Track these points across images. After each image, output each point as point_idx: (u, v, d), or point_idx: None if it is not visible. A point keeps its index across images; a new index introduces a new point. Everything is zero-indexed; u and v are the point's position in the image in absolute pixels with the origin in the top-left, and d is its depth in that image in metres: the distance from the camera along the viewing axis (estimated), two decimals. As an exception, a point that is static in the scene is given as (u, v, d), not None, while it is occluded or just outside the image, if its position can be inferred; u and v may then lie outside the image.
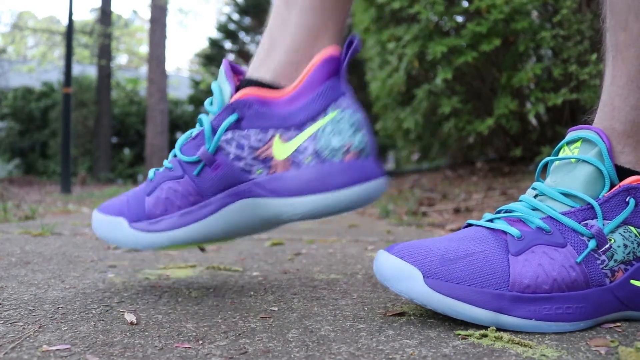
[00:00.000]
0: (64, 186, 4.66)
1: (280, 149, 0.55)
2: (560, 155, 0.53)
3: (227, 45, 11.95)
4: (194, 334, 0.44)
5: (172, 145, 10.12)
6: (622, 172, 0.51)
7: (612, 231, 0.48)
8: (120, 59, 16.87)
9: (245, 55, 11.93)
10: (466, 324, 0.48)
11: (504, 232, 0.50)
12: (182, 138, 0.58)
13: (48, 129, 9.61)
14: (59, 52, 12.47)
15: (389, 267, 0.48)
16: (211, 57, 11.85)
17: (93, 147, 9.66)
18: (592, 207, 0.49)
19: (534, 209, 0.51)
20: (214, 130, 0.56)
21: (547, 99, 2.31)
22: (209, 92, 11.59)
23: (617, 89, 0.52)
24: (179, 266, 0.78)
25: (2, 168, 9.91)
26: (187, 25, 39.65)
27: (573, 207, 0.49)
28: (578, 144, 0.52)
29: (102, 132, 9.60)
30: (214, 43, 11.86)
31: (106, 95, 9.75)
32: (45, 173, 9.44)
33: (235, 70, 0.60)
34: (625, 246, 0.48)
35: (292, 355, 0.39)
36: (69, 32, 4.95)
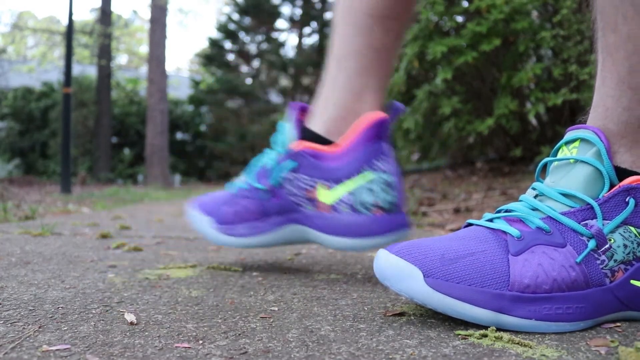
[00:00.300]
0: (64, 186, 4.66)
1: (324, 195, 0.68)
2: (559, 155, 0.53)
3: (227, 45, 11.96)
4: (194, 334, 0.44)
5: (172, 145, 10.13)
6: (619, 172, 0.51)
7: (612, 231, 0.48)
8: (120, 59, 16.87)
9: (245, 55, 11.94)
10: (466, 324, 0.48)
11: (504, 232, 0.50)
12: (255, 165, 0.73)
13: (48, 129, 9.61)
14: (59, 52, 12.47)
15: (389, 267, 0.48)
16: (211, 57, 11.85)
17: (93, 147, 9.66)
18: (592, 208, 0.49)
19: (534, 209, 0.51)
20: (276, 169, 0.71)
21: (547, 99, 2.31)
22: (209, 92, 11.61)
23: (608, 90, 0.52)
24: (179, 266, 0.78)
25: (2, 168, 9.91)
26: (187, 25, 39.66)
27: (573, 207, 0.49)
28: (576, 144, 0.52)
29: (102, 132, 9.61)
30: (214, 43, 11.86)
31: (106, 95, 9.75)
32: (45, 173, 9.44)
33: (302, 108, 0.74)
34: (625, 246, 0.48)
35: (292, 355, 0.39)
36: (69, 32, 4.95)
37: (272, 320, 0.49)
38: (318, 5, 11.46)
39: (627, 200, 0.49)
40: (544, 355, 0.40)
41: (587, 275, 0.47)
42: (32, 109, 9.84)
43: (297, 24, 11.64)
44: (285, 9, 12.67)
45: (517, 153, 2.67)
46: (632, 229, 0.49)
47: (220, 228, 0.74)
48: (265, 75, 11.99)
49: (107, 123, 9.66)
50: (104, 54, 9.68)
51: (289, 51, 12.61)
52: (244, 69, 12.30)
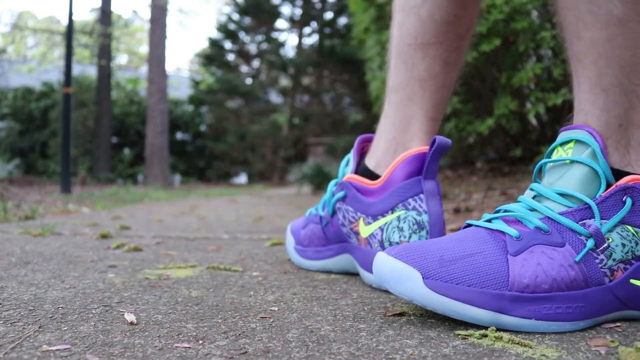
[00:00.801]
0: (64, 186, 4.66)
1: (363, 229, 0.67)
2: (554, 156, 0.54)
3: (227, 45, 11.96)
4: (194, 334, 0.44)
5: (172, 145, 10.13)
6: (613, 173, 0.51)
7: (610, 230, 0.49)
8: (120, 59, 16.87)
9: (245, 55, 11.94)
10: (466, 324, 0.48)
11: (503, 233, 0.50)
12: (327, 193, 0.74)
13: (48, 129, 9.62)
14: (59, 52, 12.47)
15: (388, 269, 0.48)
16: (211, 57, 11.85)
17: (93, 147, 9.66)
18: (590, 207, 0.49)
19: (532, 209, 0.51)
20: (330, 198, 0.72)
21: (547, 99, 2.31)
22: (209, 92, 11.61)
23: (584, 95, 0.54)
24: (179, 266, 0.78)
25: (2, 168, 9.90)
26: (187, 25, 39.67)
27: (570, 207, 0.50)
28: (571, 144, 0.52)
29: (102, 132, 9.60)
30: (214, 43, 11.87)
31: (106, 95, 9.75)
32: (45, 173, 9.44)
33: (366, 140, 0.74)
34: (624, 245, 0.48)
35: (292, 355, 0.39)
36: (69, 32, 4.95)
37: (272, 320, 0.49)
38: (318, 5, 11.46)
39: (624, 199, 0.49)
40: (544, 355, 0.40)
41: (587, 274, 0.47)
42: (32, 109, 9.84)
43: (297, 24, 11.64)
44: (285, 9, 12.66)
45: (517, 153, 2.67)
46: (630, 228, 0.49)
47: (297, 249, 0.79)
48: (265, 75, 11.99)
49: (107, 123, 9.66)
50: (104, 54, 9.67)
51: (289, 51, 12.61)
52: (244, 69, 12.30)
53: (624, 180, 0.50)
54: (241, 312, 0.52)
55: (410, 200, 0.62)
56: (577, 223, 0.49)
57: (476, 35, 2.33)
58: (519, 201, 0.53)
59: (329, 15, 11.35)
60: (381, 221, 0.64)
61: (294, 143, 11.09)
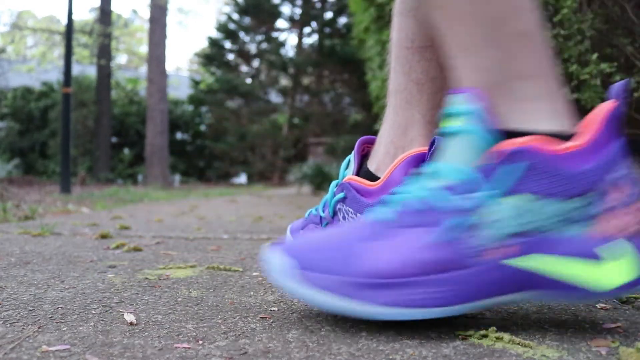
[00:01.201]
0: (63, 186, 4.66)
1: None
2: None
3: (227, 45, 11.96)
4: (194, 334, 0.44)
5: (172, 145, 10.13)
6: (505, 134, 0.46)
7: (497, 203, 0.43)
8: (120, 58, 16.87)
9: (245, 55, 11.94)
10: (466, 325, 0.48)
11: (375, 217, 0.47)
12: (329, 193, 0.72)
13: (48, 129, 9.62)
14: (58, 52, 12.47)
15: (269, 261, 0.47)
16: (211, 57, 11.86)
17: (93, 147, 9.66)
18: (472, 179, 0.44)
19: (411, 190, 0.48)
20: (331, 198, 0.70)
21: (547, 99, 2.31)
22: (208, 92, 11.61)
23: (456, 61, 0.51)
24: (179, 266, 0.78)
25: (2, 168, 9.90)
26: (187, 25, 39.68)
27: (451, 182, 0.45)
28: (455, 114, 0.47)
29: (102, 132, 9.60)
30: (214, 43, 11.87)
31: (106, 95, 9.75)
32: (45, 173, 9.44)
33: (367, 141, 0.71)
34: (510, 219, 0.43)
35: (292, 356, 0.39)
36: (69, 31, 4.95)
37: (272, 320, 0.49)
38: (318, 5, 11.46)
39: (512, 165, 0.43)
40: (544, 355, 0.39)
41: (462, 254, 0.43)
42: (32, 108, 9.84)
43: (297, 24, 11.64)
44: (285, 9, 12.66)
45: (517, 153, 2.67)
46: (526, 196, 0.43)
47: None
48: (265, 75, 11.99)
49: (107, 123, 9.66)
50: (104, 53, 9.67)
51: (289, 51, 12.60)
52: (244, 68, 12.30)
53: (516, 142, 0.43)
54: (241, 312, 0.52)
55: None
56: (460, 195, 0.44)
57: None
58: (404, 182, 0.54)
59: (329, 15, 11.36)
60: None
61: (294, 143, 11.10)
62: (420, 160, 0.62)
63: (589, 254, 0.43)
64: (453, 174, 0.45)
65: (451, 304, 0.43)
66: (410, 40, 0.67)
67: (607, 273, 0.42)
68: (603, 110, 0.45)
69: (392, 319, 0.43)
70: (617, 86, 0.46)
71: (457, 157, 0.45)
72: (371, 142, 0.73)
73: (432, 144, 0.58)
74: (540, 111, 0.47)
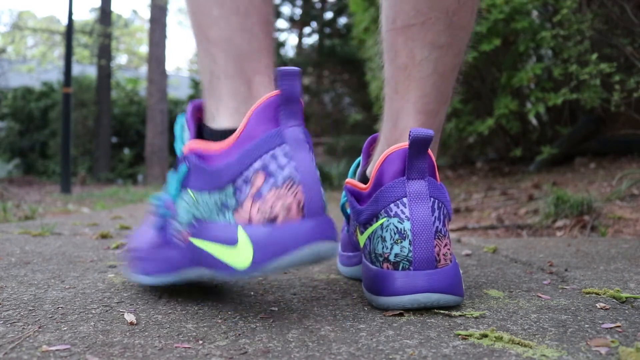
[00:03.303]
0: (63, 186, 4.66)
1: (360, 239, 0.61)
2: None
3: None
4: (194, 334, 0.44)
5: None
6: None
7: (178, 197, 0.54)
8: (120, 59, 16.86)
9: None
10: (466, 325, 0.48)
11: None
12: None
13: (48, 129, 9.61)
14: (58, 52, 12.47)
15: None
16: (211, 57, 11.83)
17: (93, 147, 9.66)
18: (170, 181, 0.55)
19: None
20: None
21: (547, 99, 2.31)
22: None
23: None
24: (179, 266, 0.78)
25: (2, 168, 9.90)
26: (188, 25, 39.65)
27: (168, 183, 0.57)
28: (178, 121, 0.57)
29: (102, 132, 9.60)
30: (214, 43, 11.84)
31: (106, 95, 9.75)
32: (45, 173, 9.43)
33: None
34: (188, 210, 0.52)
35: (292, 355, 0.39)
36: (69, 31, 4.95)
37: (272, 320, 0.49)
38: (318, 5, 11.46)
39: (180, 167, 0.53)
40: (544, 355, 0.40)
41: (163, 238, 0.56)
42: (32, 109, 9.83)
43: (297, 24, 11.64)
44: (285, 9, 12.64)
45: (517, 153, 2.67)
46: (190, 192, 0.52)
47: (339, 252, 0.78)
48: (265, 75, 11.97)
49: (107, 123, 9.66)
50: (104, 53, 9.67)
51: (289, 51, 12.59)
52: (244, 68, 12.28)
53: (185, 149, 0.53)
54: (241, 312, 0.52)
55: (392, 205, 0.53)
56: (166, 195, 0.56)
57: (476, 35, 2.33)
58: None
59: (329, 15, 11.36)
60: (369, 230, 0.56)
61: (293, 143, 11.07)
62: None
63: (229, 239, 0.48)
64: (169, 177, 0.56)
65: (163, 273, 0.56)
66: (392, 20, 0.59)
67: (236, 256, 0.47)
68: (256, 104, 0.49)
69: (142, 282, 0.58)
70: (283, 74, 0.48)
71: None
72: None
73: (409, 136, 0.52)
74: (220, 110, 0.52)
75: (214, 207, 0.50)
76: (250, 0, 0.52)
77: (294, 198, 0.47)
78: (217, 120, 0.52)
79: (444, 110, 0.62)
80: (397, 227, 0.52)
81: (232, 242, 0.47)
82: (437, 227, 0.53)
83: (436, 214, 0.53)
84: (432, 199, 0.53)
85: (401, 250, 0.52)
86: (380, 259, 0.54)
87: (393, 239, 0.53)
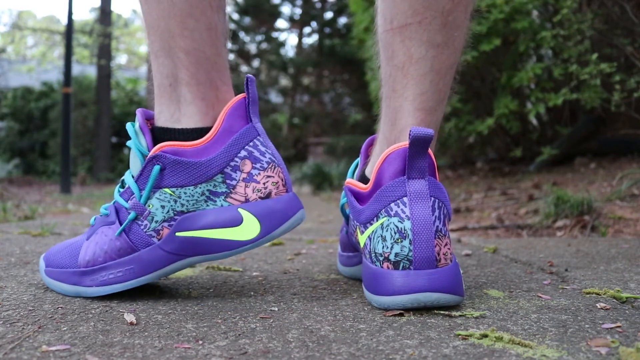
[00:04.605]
0: (63, 186, 4.66)
1: (360, 238, 0.61)
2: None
3: (227, 45, 11.94)
4: (194, 334, 0.44)
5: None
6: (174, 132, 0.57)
7: (150, 198, 0.56)
8: (120, 58, 16.87)
9: (245, 55, 11.94)
10: (466, 325, 0.48)
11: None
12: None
13: (48, 129, 9.61)
14: (58, 51, 12.47)
15: (39, 264, 0.62)
16: (211, 57, 11.83)
17: (93, 147, 9.66)
18: (132, 184, 0.57)
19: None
20: None
21: (547, 99, 2.31)
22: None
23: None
24: (179, 266, 0.78)
25: (1, 168, 9.90)
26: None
27: (127, 186, 0.58)
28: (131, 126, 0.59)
29: (102, 132, 9.60)
30: (213, 43, 11.84)
31: (106, 95, 9.75)
32: (45, 173, 9.43)
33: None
34: (163, 207, 0.55)
35: (292, 356, 0.39)
36: (69, 31, 4.95)
37: (272, 320, 0.49)
38: (318, 5, 11.46)
39: (154, 167, 0.55)
40: (544, 355, 0.39)
41: (132, 241, 0.56)
42: (32, 108, 9.83)
43: (297, 24, 11.64)
44: (285, 9, 12.65)
45: (517, 153, 2.67)
46: (166, 190, 0.55)
47: (338, 252, 0.79)
48: (265, 75, 11.99)
49: (107, 123, 9.65)
50: (104, 53, 9.67)
51: (289, 51, 12.61)
52: (244, 68, 12.30)
53: (152, 150, 0.56)
54: (241, 312, 0.52)
55: (392, 205, 0.54)
56: (127, 201, 0.57)
57: (476, 34, 2.33)
58: None
59: (329, 15, 11.35)
60: (369, 230, 0.56)
61: (294, 143, 11.09)
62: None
63: (233, 220, 0.55)
64: (128, 181, 0.58)
65: (132, 279, 0.56)
66: (389, 21, 0.60)
67: (247, 229, 0.55)
68: (228, 105, 0.57)
69: (98, 294, 0.57)
70: (249, 80, 0.58)
71: (132, 165, 0.58)
72: None
73: (409, 135, 0.53)
74: (188, 112, 0.57)
75: (200, 198, 0.55)
76: (219, 18, 0.59)
77: (278, 177, 0.57)
78: (183, 121, 0.58)
79: (442, 108, 0.63)
80: (397, 227, 0.53)
81: (237, 221, 0.55)
82: (438, 226, 0.53)
83: (436, 213, 0.53)
84: (432, 198, 0.53)
85: (401, 250, 0.52)
86: (381, 258, 0.54)
87: (393, 239, 0.53)
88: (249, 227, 0.56)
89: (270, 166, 0.57)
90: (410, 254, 0.52)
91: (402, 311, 0.52)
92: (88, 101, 9.56)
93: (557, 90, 2.35)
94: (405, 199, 0.53)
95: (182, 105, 0.58)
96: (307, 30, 11.76)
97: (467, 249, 1.00)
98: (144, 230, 0.56)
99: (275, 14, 11.54)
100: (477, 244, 1.08)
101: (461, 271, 0.73)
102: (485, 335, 0.44)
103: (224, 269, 0.76)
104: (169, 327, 0.46)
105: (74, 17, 5.08)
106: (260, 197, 0.56)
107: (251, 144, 0.57)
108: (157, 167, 0.55)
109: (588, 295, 0.59)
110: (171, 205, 0.55)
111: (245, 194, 0.56)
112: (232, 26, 11.66)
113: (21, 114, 9.88)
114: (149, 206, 0.56)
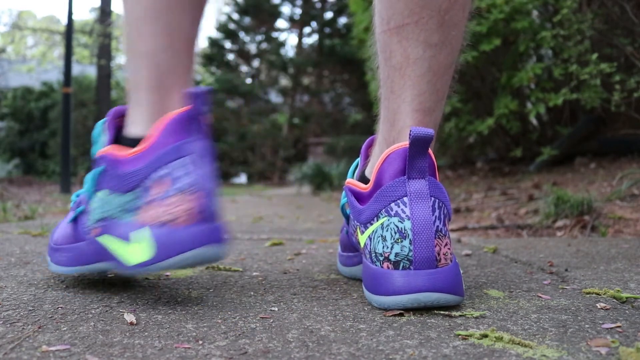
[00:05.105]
0: (63, 186, 4.65)
1: (360, 238, 0.61)
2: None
3: (227, 45, 11.96)
4: (194, 334, 0.44)
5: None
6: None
7: (92, 196, 0.57)
8: (120, 58, 16.85)
9: (245, 55, 11.94)
10: (466, 325, 0.48)
11: None
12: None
13: (48, 129, 9.61)
14: (58, 51, 12.46)
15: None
16: (211, 57, 11.85)
17: (93, 147, 9.65)
18: (86, 180, 0.59)
19: None
20: None
21: (547, 99, 2.31)
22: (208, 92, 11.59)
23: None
24: (179, 266, 0.78)
25: (1, 168, 9.90)
26: (187, 25, 39.53)
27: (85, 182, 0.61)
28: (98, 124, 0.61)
29: (102, 132, 9.59)
30: (214, 43, 11.86)
31: (106, 95, 9.74)
32: (45, 173, 9.43)
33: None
34: (100, 207, 0.57)
35: (292, 356, 0.39)
36: (69, 31, 4.94)
37: (272, 320, 0.49)
38: (318, 5, 11.46)
39: (96, 169, 0.57)
40: (544, 355, 0.39)
41: (76, 232, 0.60)
42: (32, 108, 9.83)
43: (297, 24, 11.64)
44: (285, 9, 12.63)
45: (517, 153, 2.67)
46: (103, 192, 0.56)
47: (339, 252, 0.78)
48: (265, 75, 11.99)
49: (107, 123, 9.64)
50: (104, 53, 9.66)
51: (289, 51, 12.60)
52: (244, 68, 12.30)
53: (99, 151, 0.58)
54: (241, 312, 0.52)
55: (392, 205, 0.54)
56: (82, 192, 0.60)
57: (476, 34, 2.33)
58: None
59: (329, 15, 11.35)
60: (370, 230, 0.56)
61: (294, 143, 11.09)
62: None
63: (126, 237, 0.54)
64: (87, 176, 0.59)
65: (71, 265, 0.60)
66: (386, 22, 0.60)
67: (132, 252, 0.53)
68: (167, 116, 0.54)
69: (54, 271, 0.64)
70: (194, 93, 0.54)
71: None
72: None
73: (409, 135, 0.53)
74: (138, 118, 0.57)
75: (124, 207, 0.55)
76: (179, 21, 0.56)
77: (194, 203, 0.52)
78: (133, 128, 0.57)
79: (441, 108, 0.62)
80: (397, 227, 0.53)
81: (129, 239, 0.54)
82: (438, 226, 0.53)
83: (437, 213, 0.53)
84: (432, 198, 0.53)
85: (402, 250, 0.52)
86: (381, 258, 0.54)
87: (393, 238, 0.53)
88: (141, 250, 0.52)
89: (188, 190, 0.52)
90: (411, 254, 0.52)
91: (402, 311, 0.52)
92: (88, 101, 9.57)
93: (557, 90, 2.35)
94: (405, 199, 0.53)
95: (134, 111, 0.57)
96: (307, 30, 11.76)
97: (467, 249, 1.00)
98: (84, 225, 0.59)
99: (275, 14, 11.53)
100: (477, 244, 1.08)
101: (461, 271, 0.73)
102: (485, 335, 0.44)
103: (224, 269, 0.76)
104: (169, 327, 0.46)
105: (74, 17, 5.08)
106: (166, 221, 0.52)
107: (176, 162, 0.52)
108: (100, 168, 0.56)
109: (588, 295, 0.59)
110: (105, 208, 0.56)
111: (155, 213, 0.52)
112: (232, 26, 11.66)
113: (21, 114, 9.88)
114: (91, 204, 0.57)
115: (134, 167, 0.54)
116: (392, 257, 0.53)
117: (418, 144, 0.52)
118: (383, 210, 0.54)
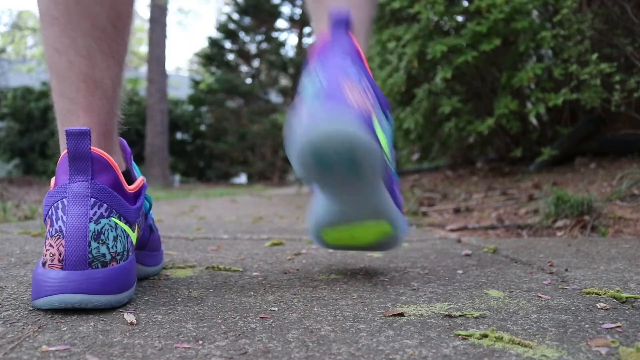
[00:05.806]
0: (63, 186, 4.64)
1: None
2: None
3: (227, 45, 11.96)
4: (194, 334, 0.44)
5: (172, 145, 10.12)
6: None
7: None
8: (120, 58, 16.82)
9: (245, 55, 11.95)
10: (466, 325, 0.48)
11: None
12: None
13: (48, 129, 9.61)
14: (58, 52, 12.43)
15: None
16: (211, 57, 11.85)
17: (93, 147, 9.64)
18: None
19: None
20: None
21: (547, 99, 2.31)
22: (209, 92, 11.61)
23: None
24: (179, 266, 0.78)
25: (1, 168, 9.91)
26: (187, 25, 39.62)
27: None
28: None
29: (102, 132, 9.58)
30: (214, 43, 11.86)
31: (106, 95, 9.73)
32: (44, 173, 9.43)
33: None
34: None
35: (292, 356, 0.39)
36: (69, 31, 4.93)
37: (272, 320, 0.49)
38: (318, 5, 11.44)
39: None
40: (544, 355, 0.39)
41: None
42: (32, 108, 9.83)
43: (297, 24, 11.64)
44: (285, 9, 12.63)
45: (517, 153, 2.67)
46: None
47: None
48: (265, 75, 11.98)
49: (107, 123, 9.64)
50: (104, 53, 9.65)
51: (289, 51, 12.60)
52: (244, 68, 12.30)
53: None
54: (241, 312, 0.52)
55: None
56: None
57: (476, 34, 2.33)
58: None
59: (328, 15, 11.33)
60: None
61: (293, 143, 11.07)
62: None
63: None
64: None
65: None
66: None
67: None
68: (59, 158, 0.56)
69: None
70: (70, 132, 0.52)
71: None
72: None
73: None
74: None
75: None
76: (69, 64, 0.65)
77: (57, 250, 0.51)
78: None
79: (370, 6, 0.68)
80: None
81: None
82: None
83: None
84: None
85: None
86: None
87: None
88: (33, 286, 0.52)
89: (55, 235, 0.51)
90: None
91: (402, 311, 0.52)
92: (88, 101, 9.54)
93: (557, 90, 2.34)
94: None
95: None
96: (307, 30, 11.76)
97: (467, 249, 1.00)
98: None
99: (275, 14, 11.54)
100: (477, 244, 1.08)
101: (461, 271, 0.73)
102: (485, 335, 0.44)
103: (224, 269, 0.76)
104: (169, 327, 0.46)
105: (74, 17, 5.07)
106: (44, 262, 0.51)
107: (56, 205, 0.53)
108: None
109: (588, 295, 0.59)
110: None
111: (43, 251, 0.54)
112: (232, 26, 11.66)
113: (21, 114, 9.88)
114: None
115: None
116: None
117: (338, 25, 0.56)
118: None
